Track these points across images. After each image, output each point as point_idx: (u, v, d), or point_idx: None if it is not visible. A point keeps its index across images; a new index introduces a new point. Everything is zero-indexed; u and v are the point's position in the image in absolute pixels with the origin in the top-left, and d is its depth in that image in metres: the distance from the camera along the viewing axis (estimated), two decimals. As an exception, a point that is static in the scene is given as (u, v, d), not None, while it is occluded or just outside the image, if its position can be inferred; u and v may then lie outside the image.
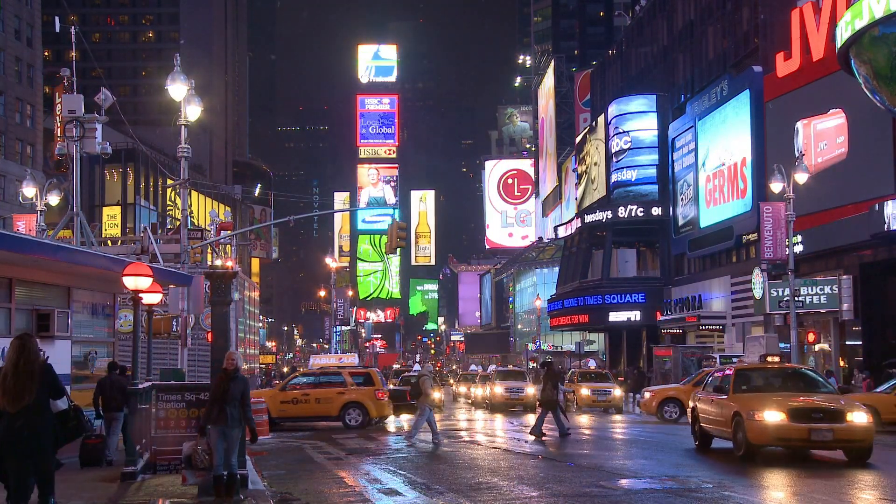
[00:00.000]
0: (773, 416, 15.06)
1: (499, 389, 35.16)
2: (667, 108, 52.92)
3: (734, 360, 35.10)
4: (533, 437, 20.75)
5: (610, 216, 54.96)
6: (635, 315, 53.11)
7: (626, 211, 53.92)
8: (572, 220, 63.60)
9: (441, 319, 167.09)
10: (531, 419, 29.91)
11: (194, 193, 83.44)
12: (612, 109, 56.21)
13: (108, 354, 18.36)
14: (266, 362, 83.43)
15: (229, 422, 11.07)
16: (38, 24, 67.92)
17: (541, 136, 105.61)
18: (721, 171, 44.15)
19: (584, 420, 29.28)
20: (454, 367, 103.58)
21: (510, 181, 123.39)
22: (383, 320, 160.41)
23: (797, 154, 35.03)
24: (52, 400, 8.93)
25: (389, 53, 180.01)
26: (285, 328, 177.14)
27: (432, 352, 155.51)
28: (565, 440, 20.42)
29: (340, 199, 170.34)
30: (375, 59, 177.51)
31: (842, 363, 33.00)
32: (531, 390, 35.66)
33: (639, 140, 53.96)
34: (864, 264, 32.25)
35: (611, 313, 54.14)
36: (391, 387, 29.45)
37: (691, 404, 18.78)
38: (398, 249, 29.21)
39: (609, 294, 54.61)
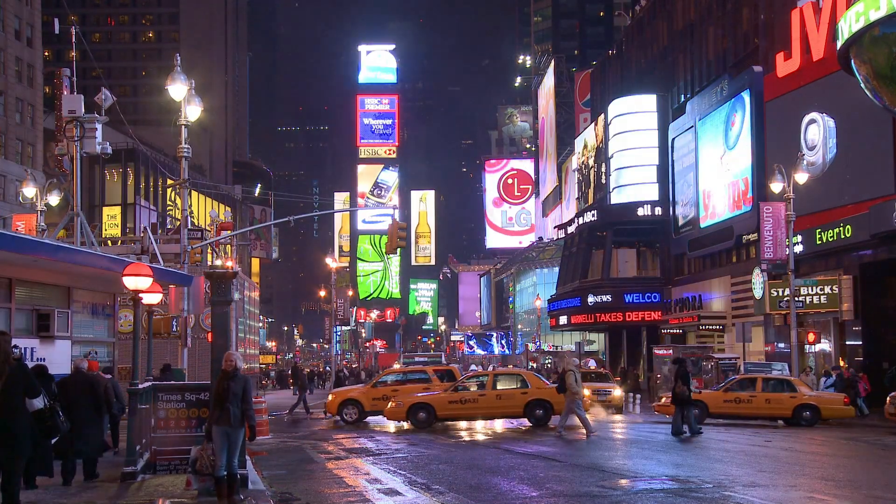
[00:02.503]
0: None
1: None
2: (667, 108, 52.89)
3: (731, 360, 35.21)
4: (674, 437, 20.99)
5: (610, 216, 54.90)
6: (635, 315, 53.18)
7: (626, 211, 53.89)
8: (572, 220, 63.58)
9: (441, 319, 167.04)
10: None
11: (194, 193, 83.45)
12: (612, 109, 56.17)
13: (108, 354, 18.37)
14: (266, 362, 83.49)
15: (233, 422, 11.06)
16: (38, 24, 67.91)
17: (541, 136, 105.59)
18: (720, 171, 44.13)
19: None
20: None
21: (510, 181, 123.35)
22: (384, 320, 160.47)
23: (804, 148, 35.06)
24: (28, 399, 8.94)
25: (389, 54, 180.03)
26: (285, 328, 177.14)
27: (432, 352, 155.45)
28: (697, 438, 20.72)
29: (340, 199, 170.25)
30: (375, 60, 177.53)
31: (842, 363, 32.98)
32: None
33: (639, 140, 53.91)
34: (864, 264, 32.23)
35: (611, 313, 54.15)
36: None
37: None
38: (398, 249, 29.18)
39: (609, 294, 54.56)
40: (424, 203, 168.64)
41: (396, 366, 46.66)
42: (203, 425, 12.76)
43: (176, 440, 13.41)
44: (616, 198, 55.34)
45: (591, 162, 63.48)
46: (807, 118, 35.61)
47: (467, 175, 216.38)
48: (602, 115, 59.40)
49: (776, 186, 29.71)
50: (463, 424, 26.61)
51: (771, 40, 40.63)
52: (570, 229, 62.63)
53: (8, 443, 8.68)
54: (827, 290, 32.59)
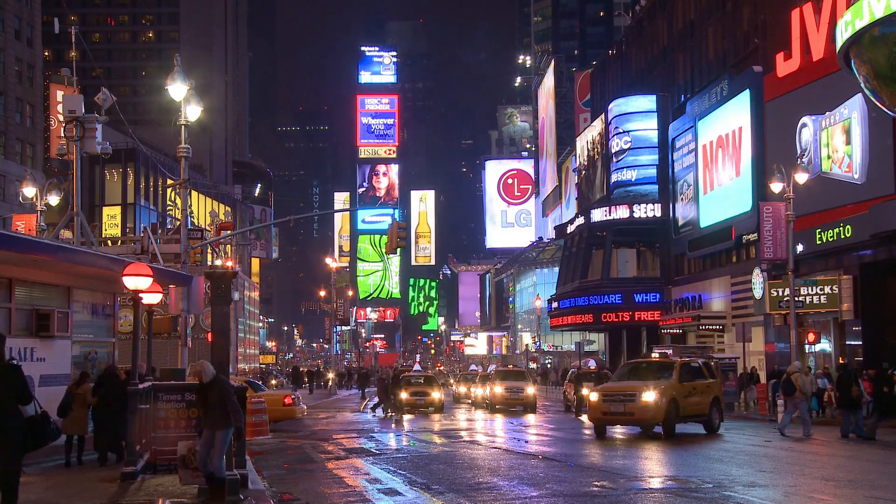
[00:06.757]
0: None
1: (499, 389, 35.21)
2: (667, 108, 52.87)
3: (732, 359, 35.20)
4: (847, 438, 21.09)
5: (610, 216, 54.92)
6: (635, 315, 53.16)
7: (626, 211, 53.88)
8: (572, 220, 63.57)
9: (441, 319, 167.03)
10: (531, 419, 29.93)
11: (194, 193, 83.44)
12: (613, 109, 56.16)
13: (108, 355, 18.37)
14: (266, 362, 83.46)
15: (209, 424, 11.27)
16: (38, 24, 67.86)
17: (541, 136, 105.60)
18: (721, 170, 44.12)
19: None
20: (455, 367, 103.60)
21: (510, 181, 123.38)
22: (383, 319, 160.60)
23: (807, 149, 35.01)
24: (20, 406, 8.90)
25: (389, 55, 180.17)
26: (285, 328, 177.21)
27: (432, 352, 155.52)
28: (846, 440, 20.78)
29: (340, 199, 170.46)
30: (376, 60, 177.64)
31: (842, 363, 32.97)
32: (531, 390, 35.86)
33: (639, 140, 53.89)
34: (864, 264, 32.22)
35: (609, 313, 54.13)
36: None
37: None
38: (398, 249, 29.19)
39: (609, 294, 54.54)
40: (424, 203, 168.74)
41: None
42: (202, 425, 12.83)
43: (176, 440, 13.38)
44: (616, 198, 55.35)
45: (590, 162, 63.47)
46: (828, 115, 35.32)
47: (467, 175, 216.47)
48: (602, 115, 59.39)
49: (776, 186, 29.68)
50: (463, 425, 26.61)
51: (771, 40, 40.61)
52: (570, 229, 62.63)
53: (2, 443, 8.69)
54: (827, 290, 32.56)
